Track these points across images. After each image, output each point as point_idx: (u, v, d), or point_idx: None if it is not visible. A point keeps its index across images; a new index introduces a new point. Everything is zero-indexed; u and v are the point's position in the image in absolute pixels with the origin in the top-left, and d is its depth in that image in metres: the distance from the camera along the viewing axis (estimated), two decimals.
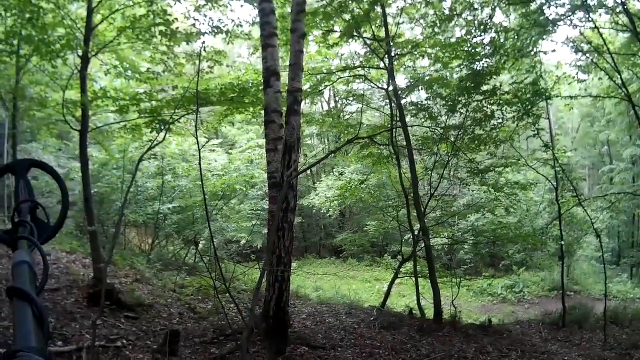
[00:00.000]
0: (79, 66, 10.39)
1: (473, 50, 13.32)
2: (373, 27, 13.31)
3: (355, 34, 13.46)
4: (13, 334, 0.87)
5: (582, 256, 25.00)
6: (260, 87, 10.90)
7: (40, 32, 9.67)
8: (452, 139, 13.64)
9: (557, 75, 15.14)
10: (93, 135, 13.47)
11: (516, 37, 13.25)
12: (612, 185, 29.39)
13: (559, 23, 13.18)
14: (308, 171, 29.11)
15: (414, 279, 13.55)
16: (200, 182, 16.33)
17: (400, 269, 15.26)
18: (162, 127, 11.36)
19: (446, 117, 14.05)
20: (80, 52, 10.28)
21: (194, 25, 12.07)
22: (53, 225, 1.32)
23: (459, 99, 13.35)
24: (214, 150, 19.34)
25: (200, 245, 16.75)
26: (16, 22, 9.77)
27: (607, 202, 19.17)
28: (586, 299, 18.89)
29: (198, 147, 8.53)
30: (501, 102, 13.30)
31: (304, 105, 13.89)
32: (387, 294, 14.77)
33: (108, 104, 11.50)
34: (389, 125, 14.17)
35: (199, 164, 8.60)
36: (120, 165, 17.14)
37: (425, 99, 14.63)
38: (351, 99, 17.39)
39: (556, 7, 13.04)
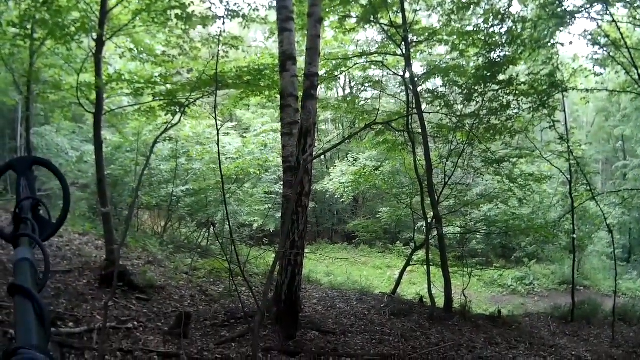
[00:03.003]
0: (94, 49, 10.36)
1: (490, 40, 13.25)
2: (390, 13, 13.25)
3: (372, 19, 13.42)
4: (14, 332, 0.86)
5: (594, 251, 24.92)
6: (276, 70, 10.88)
7: (54, 15, 9.64)
8: (468, 128, 13.59)
9: (573, 68, 15.03)
10: (107, 118, 13.49)
11: (534, 27, 13.15)
12: (625, 182, 29.29)
13: (576, 15, 13.08)
14: (322, 156, 29.08)
15: (425, 267, 13.51)
16: (214, 165, 16.47)
17: (412, 257, 15.27)
18: (178, 110, 11.37)
19: (462, 105, 14.00)
20: (95, 36, 10.26)
21: (210, 8, 12.05)
22: (54, 223, 1.31)
23: (475, 88, 13.30)
24: (228, 134, 19.32)
25: (212, 229, 16.80)
26: (30, 5, 9.74)
27: (619, 198, 19.06)
28: (595, 295, 18.88)
29: (217, 129, 8.52)
30: (517, 92, 13.21)
31: (320, 91, 13.85)
32: (399, 281, 14.80)
33: (123, 87, 11.49)
34: (405, 112, 14.14)
35: (218, 145, 8.58)
36: (134, 148, 17.20)
37: (442, 86, 14.60)
38: (367, 85, 17.36)
39: None
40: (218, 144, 8.58)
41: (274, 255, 8.18)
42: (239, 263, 8.54)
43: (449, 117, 14.38)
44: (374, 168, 17.50)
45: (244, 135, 20.71)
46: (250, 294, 9.06)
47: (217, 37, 11.01)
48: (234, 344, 8.16)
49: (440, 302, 13.09)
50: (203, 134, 18.19)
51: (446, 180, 14.18)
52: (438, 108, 14.33)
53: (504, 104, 13.35)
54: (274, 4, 10.92)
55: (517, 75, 13.70)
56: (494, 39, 13.29)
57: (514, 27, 13.21)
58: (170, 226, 18.66)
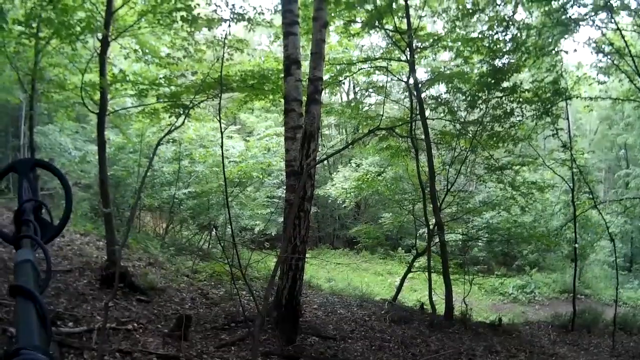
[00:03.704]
0: (99, 49, 10.38)
1: (494, 47, 13.26)
2: (395, 19, 13.25)
3: (377, 25, 13.43)
4: (16, 332, 0.85)
5: (595, 260, 24.85)
6: (281, 75, 10.87)
7: (60, 14, 9.65)
8: (471, 135, 13.58)
9: (577, 76, 15.05)
10: (111, 118, 13.52)
11: (538, 35, 13.16)
12: (627, 190, 29.16)
13: (581, 23, 13.08)
14: (325, 161, 29.06)
15: (426, 274, 13.50)
16: (216, 168, 16.48)
17: (414, 264, 15.24)
18: (181, 112, 11.37)
19: (465, 112, 14.02)
20: (100, 36, 10.29)
21: (215, 11, 12.05)
22: (56, 225, 1.30)
23: (479, 94, 13.31)
24: (231, 137, 19.35)
25: (214, 232, 16.81)
26: (36, 4, 9.75)
27: (622, 206, 19.03)
28: (596, 304, 18.84)
29: (221, 132, 8.50)
30: (521, 100, 13.24)
31: (324, 96, 13.88)
32: (399, 288, 14.77)
33: (127, 87, 11.51)
34: (409, 118, 14.15)
35: (222, 148, 8.57)
36: (137, 149, 17.22)
37: (445, 93, 14.60)
38: (371, 90, 17.39)
39: (579, 7, 12.94)
40: (222, 147, 8.58)
41: (275, 260, 8.18)
42: (240, 267, 8.52)
43: (452, 123, 14.39)
44: (377, 174, 17.52)
45: (247, 138, 20.73)
46: (251, 297, 9.06)
47: (222, 40, 11.03)
48: (234, 347, 8.15)
49: (440, 309, 13.07)
50: (206, 136, 18.21)
51: (449, 187, 14.18)
52: (441, 114, 14.34)
53: (508, 111, 13.37)
54: (280, 7, 10.93)
55: (521, 83, 13.69)
56: (498, 46, 13.33)
57: (518, 34, 13.24)
58: (171, 228, 18.68)
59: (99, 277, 9.62)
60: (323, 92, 10.82)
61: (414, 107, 13.91)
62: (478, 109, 13.81)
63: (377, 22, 13.23)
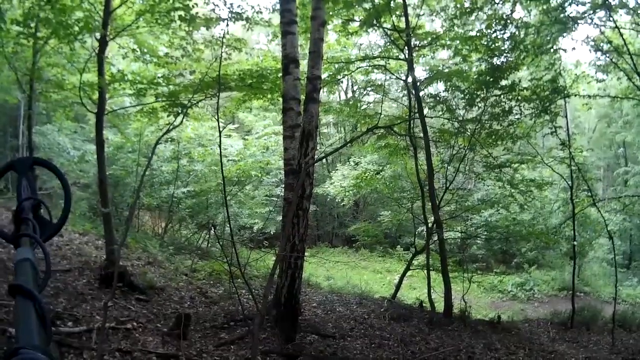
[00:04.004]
0: (97, 49, 10.39)
1: (493, 45, 13.25)
2: (393, 17, 13.24)
3: (375, 23, 13.41)
4: (15, 332, 0.85)
5: (594, 258, 24.85)
6: (279, 74, 10.87)
7: (58, 14, 9.65)
8: (470, 133, 13.57)
9: (575, 74, 15.02)
10: (109, 118, 13.51)
11: (536, 33, 13.14)
12: (626, 188, 29.19)
13: (579, 21, 13.06)
14: (323, 160, 29.02)
15: (425, 271, 13.48)
16: (215, 167, 16.47)
17: (413, 262, 15.24)
18: (180, 112, 11.37)
19: (464, 110, 14.00)
20: (98, 35, 10.28)
21: (213, 10, 12.05)
22: (55, 223, 1.30)
23: (478, 93, 13.29)
24: (230, 136, 19.34)
25: (213, 231, 16.81)
26: (34, 4, 9.75)
27: (620, 204, 19.02)
28: (595, 301, 18.79)
29: (219, 131, 8.49)
30: (519, 98, 13.21)
31: (322, 94, 13.86)
32: (399, 285, 14.76)
33: (125, 87, 11.51)
34: (407, 117, 14.13)
35: (220, 147, 8.56)
36: (135, 148, 17.22)
37: (444, 91, 14.59)
38: (369, 88, 17.37)
39: (577, 5, 12.92)
40: (220, 146, 8.57)
41: (274, 258, 8.19)
42: (239, 265, 8.52)
43: (450, 122, 14.37)
44: (375, 172, 17.50)
45: (246, 137, 20.74)
46: (250, 296, 9.05)
47: (221, 39, 11.02)
48: (233, 346, 8.15)
49: (440, 307, 13.06)
50: (205, 135, 18.22)
51: (447, 185, 14.16)
52: (440, 113, 14.33)
53: (506, 110, 13.34)
54: (278, 6, 10.93)
55: (520, 81, 13.66)
56: (496, 44, 13.30)
57: (516, 33, 13.22)
58: (170, 227, 18.67)
59: (98, 277, 9.63)
60: (321, 90, 10.83)
61: (413, 105, 13.92)
62: (477, 107, 13.80)
63: (375, 20, 13.21)
